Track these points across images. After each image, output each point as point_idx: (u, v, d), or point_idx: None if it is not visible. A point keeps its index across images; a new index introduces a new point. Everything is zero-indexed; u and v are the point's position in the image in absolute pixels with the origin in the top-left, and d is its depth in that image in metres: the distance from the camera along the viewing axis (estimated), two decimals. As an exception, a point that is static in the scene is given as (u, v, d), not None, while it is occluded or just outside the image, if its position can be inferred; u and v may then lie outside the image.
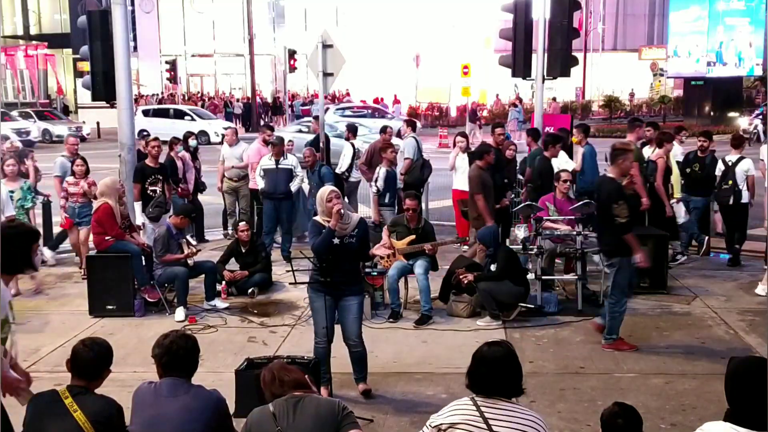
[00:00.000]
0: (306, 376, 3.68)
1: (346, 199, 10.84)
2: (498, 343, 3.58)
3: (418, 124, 30.40)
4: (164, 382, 3.78)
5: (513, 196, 10.91)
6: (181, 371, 3.80)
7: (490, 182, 9.46)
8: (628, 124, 11.50)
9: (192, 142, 12.51)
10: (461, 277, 8.35)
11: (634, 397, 6.00)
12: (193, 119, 31.48)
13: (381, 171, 10.37)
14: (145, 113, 31.54)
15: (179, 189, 11.62)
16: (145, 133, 12.69)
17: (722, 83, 35.65)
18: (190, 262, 8.79)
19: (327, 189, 6.14)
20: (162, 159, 10.90)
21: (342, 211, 5.93)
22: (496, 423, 3.29)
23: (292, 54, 31.95)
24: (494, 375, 3.41)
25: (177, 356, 3.79)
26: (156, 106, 35.09)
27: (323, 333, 6.14)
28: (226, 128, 13.39)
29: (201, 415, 3.68)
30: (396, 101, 41.09)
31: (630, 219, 6.94)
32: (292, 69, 32.61)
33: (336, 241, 5.99)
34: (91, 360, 3.82)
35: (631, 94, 45.05)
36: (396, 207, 10.53)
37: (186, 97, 43.05)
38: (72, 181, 10.23)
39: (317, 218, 6.15)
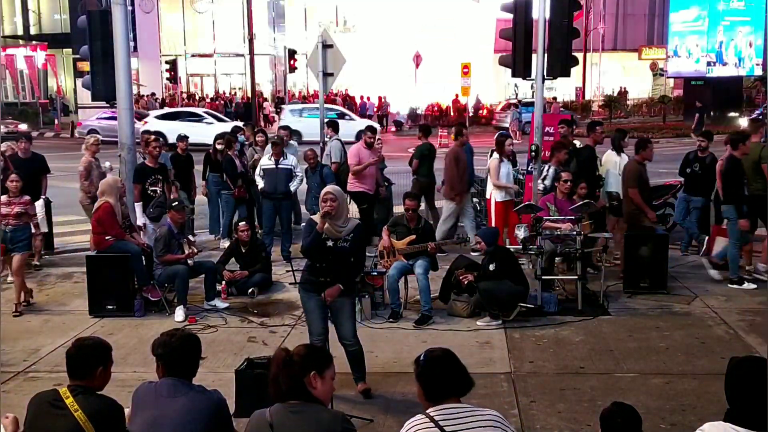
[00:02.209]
0: (312, 375, 3.31)
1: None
2: (434, 348, 3.47)
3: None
4: (164, 383, 3.75)
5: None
6: (184, 372, 3.77)
7: (647, 177, 9.46)
8: (751, 124, 11.33)
9: (241, 137, 12.40)
10: (461, 278, 8.35)
11: (634, 397, 6.00)
12: (352, 119, 30.61)
13: (550, 170, 10.10)
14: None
15: (237, 190, 11.48)
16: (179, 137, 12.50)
17: (722, 83, 35.66)
18: (190, 262, 8.80)
19: (326, 188, 6.13)
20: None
21: (333, 212, 5.89)
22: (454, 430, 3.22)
23: (292, 54, 31.96)
24: (442, 374, 3.34)
25: (181, 357, 3.76)
26: (308, 106, 34.38)
27: (318, 332, 6.15)
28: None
29: (201, 415, 3.65)
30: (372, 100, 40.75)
31: None
32: (292, 69, 32.60)
33: (330, 243, 6.00)
34: (77, 358, 3.80)
35: (623, 92, 45.02)
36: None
37: (186, 97, 43.04)
38: (4, 200, 8.85)
39: (314, 216, 6.19)
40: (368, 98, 41.90)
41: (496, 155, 10.67)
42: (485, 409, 3.36)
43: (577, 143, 11.27)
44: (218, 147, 12.06)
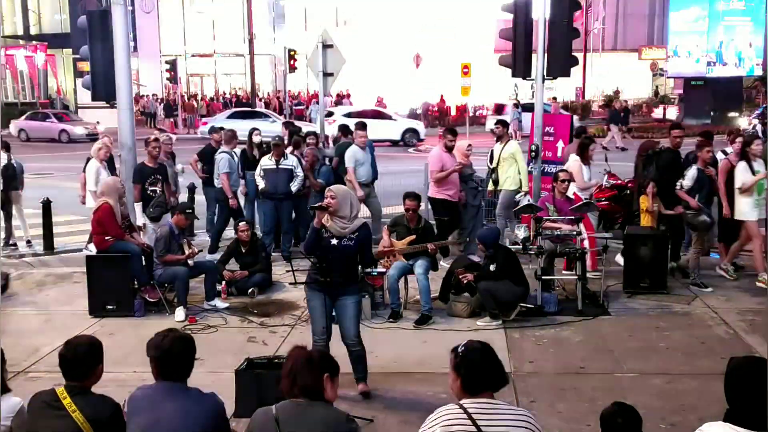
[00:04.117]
0: (326, 376, 3.42)
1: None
2: (473, 340, 3.49)
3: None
4: (160, 386, 3.72)
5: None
6: (178, 373, 3.74)
7: None
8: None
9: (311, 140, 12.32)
10: (461, 277, 8.35)
11: (634, 397, 5.99)
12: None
13: (691, 171, 9.40)
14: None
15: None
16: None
17: (722, 83, 35.66)
18: (190, 262, 8.80)
19: (332, 186, 6.31)
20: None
21: (329, 207, 5.98)
22: (487, 426, 3.21)
23: (292, 54, 31.98)
24: (481, 365, 3.34)
25: (177, 358, 3.73)
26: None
27: (321, 331, 6.19)
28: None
29: (198, 419, 3.62)
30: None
31: None
32: (292, 69, 32.62)
33: (334, 241, 6.02)
34: (74, 359, 3.81)
35: (617, 92, 45.02)
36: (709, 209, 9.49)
37: (186, 98, 43.06)
38: None
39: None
40: (347, 96, 41.76)
41: (576, 158, 10.07)
42: (518, 408, 3.38)
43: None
44: (254, 140, 11.83)
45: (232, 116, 31.03)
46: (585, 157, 10.11)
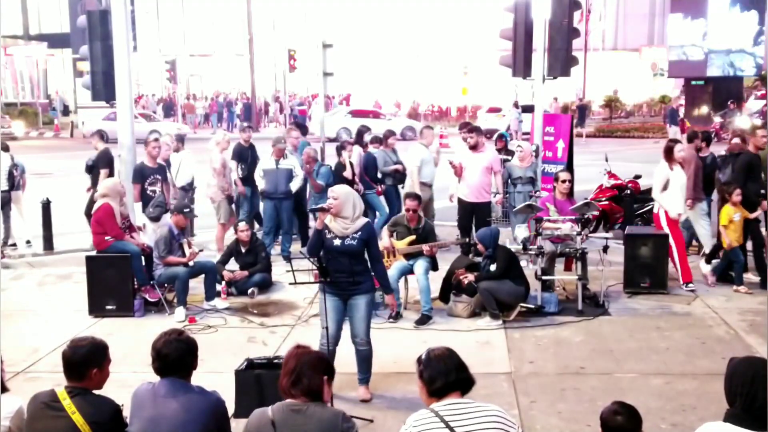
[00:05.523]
0: (325, 378, 3.51)
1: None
2: (435, 347, 3.57)
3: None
4: (163, 383, 3.77)
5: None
6: (175, 374, 3.77)
7: None
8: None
9: (367, 137, 12.18)
10: (461, 277, 8.35)
11: (634, 397, 5.98)
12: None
13: None
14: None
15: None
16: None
17: (722, 83, 35.64)
18: (190, 262, 8.80)
19: (333, 187, 6.36)
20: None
21: (332, 210, 6.00)
22: (459, 426, 3.24)
23: (292, 54, 31.98)
24: (444, 370, 3.38)
25: (167, 361, 3.76)
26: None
27: (330, 335, 6.10)
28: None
29: (199, 416, 3.65)
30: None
31: None
32: (292, 69, 32.62)
33: (337, 242, 6.02)
34: (72, 360, 3.80)
35: (614, 92, 44.97)
36: None
37: (186, 98, 43.05)
38: None
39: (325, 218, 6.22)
40: (333, 97, 41.60)
41: (663, 163, 9.27)
42: (487, 404, 3.39)
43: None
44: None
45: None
46: (671, 161, 9.20)
